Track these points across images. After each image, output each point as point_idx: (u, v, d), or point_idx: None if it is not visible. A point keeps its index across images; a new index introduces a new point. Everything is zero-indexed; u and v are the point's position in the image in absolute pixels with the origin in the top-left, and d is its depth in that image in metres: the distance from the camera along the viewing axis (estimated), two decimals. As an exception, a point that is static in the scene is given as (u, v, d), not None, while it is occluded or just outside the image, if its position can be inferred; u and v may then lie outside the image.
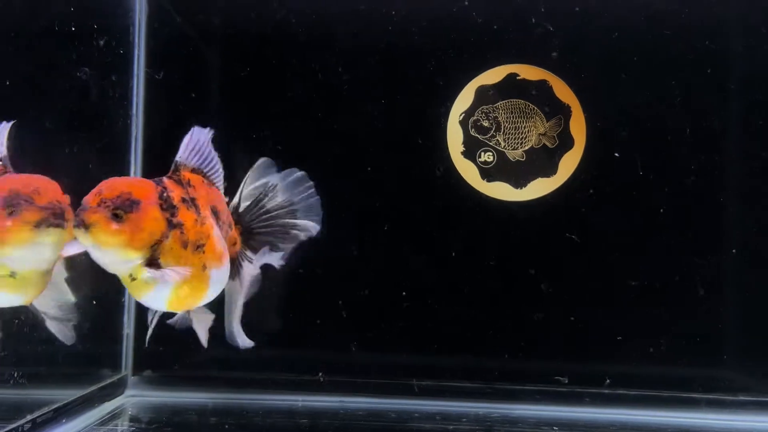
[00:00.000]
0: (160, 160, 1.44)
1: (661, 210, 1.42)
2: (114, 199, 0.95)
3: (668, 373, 1.42)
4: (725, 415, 1.39)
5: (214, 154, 1.10)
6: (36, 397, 1.12)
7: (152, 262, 0.97)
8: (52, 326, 1.09)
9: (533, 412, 1.39)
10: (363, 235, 1.45)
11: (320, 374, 1.44)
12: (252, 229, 1.18)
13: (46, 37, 1.12)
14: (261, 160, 1.20)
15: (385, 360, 1.44)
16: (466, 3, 1.43)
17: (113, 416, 1.30)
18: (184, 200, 1.03)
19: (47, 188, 0.97)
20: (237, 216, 1.17)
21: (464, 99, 1.45)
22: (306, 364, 1.43)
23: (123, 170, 1.43)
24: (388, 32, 1.44)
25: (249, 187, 1.19)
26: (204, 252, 1.03)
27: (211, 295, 1.08)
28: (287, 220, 1.20)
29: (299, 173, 1.21)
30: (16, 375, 1.02)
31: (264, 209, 1.18)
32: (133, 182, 1.01)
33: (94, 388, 1.29)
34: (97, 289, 1.31)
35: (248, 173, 1.18)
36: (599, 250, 1.43)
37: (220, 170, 1.12)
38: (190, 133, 1.08)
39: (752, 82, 1.40)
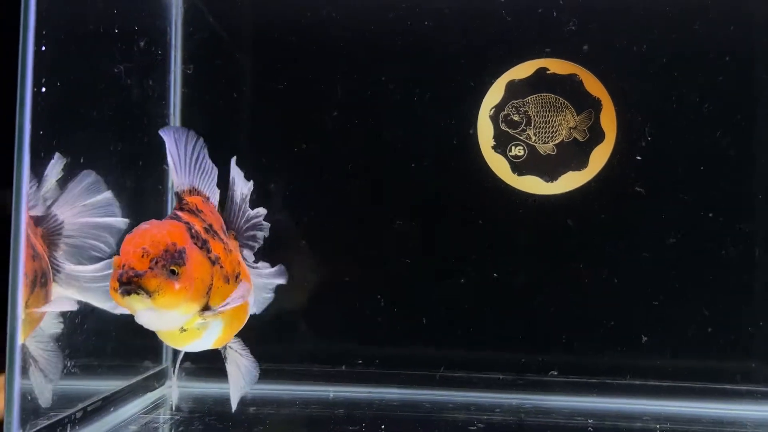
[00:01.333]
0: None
1: (692, 202, 1.42)
2: (163, 254, 0.86)
3: (701, 364, 1.42)
4: (760, 406, 1.39)
5: (201, 162, 1.01)
6: (86, 387, 1.17)
7: (206, 308, 0.90)
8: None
9: (566, 403, 1.41)
10: (394, 229, 1.47)
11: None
12: (241, 229, 1.10)
13: (91, 40, 1.16)
14: (233, 160, 1.09)
15: (419, 352, 1.47)
16: (476, 3, 1.45)
17: (157, 406, 1.34)
18: (206, 230, 0.96)
19: None
20: (229, 222, 1.09)
21: (495, 94, 1.46)
22: (341, 356, 1.46)
23: (162, 170, 1.46)
24: (418, 28, 1.46)
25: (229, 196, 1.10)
26: (241, 281, 0.97)
27: (248, 316, 1.03)
28: (249, 212, 1.12)
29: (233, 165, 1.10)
30: (69, 365, 1.06)
31: (237, 205, 1.10)
32: (168, 229, 0.90)
33: (137, 378, 1.33)
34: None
35: (231, 175, 1.09)
36: (631, 242, 1.43)
37: (215, 178, 1.04)
38: (168, 152, 0.98)
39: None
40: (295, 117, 1.49)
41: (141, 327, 1.39)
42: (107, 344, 1.25)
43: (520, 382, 1.44)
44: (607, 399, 1.42)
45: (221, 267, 0.93)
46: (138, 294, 0.84)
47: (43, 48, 0.97)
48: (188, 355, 1.46)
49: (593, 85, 1.44)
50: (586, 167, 1.45)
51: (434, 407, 1.39)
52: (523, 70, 1.46)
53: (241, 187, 1.09)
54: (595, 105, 1.44)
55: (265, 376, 1.44)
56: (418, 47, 1.46)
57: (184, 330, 0.91)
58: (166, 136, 0.99)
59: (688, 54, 1.42)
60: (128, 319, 1.31)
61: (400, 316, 1.47)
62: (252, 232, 1.11)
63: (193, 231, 0.93)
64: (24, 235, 0.92)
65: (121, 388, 1.25)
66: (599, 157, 1.45)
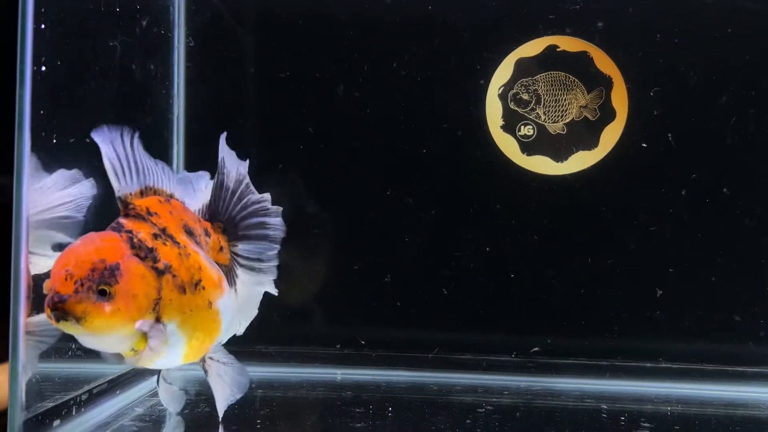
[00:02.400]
0: (199, 140, 1.47)
1: (704, 183, 1.40)
2: (90, 274, 0.80)
3: (713, 347, 1.40)
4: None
5: (148, 159, 0.93)
6: (91, 370, 1.16)
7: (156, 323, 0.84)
8: None
9: (575, 386, 1.39)
10: (403, 210, 1.45)
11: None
12: (233, 218, 1.03)
13: (92, 18, 1.14)
14: (222, 137, 1.02)
15: (427, 334, 1.46)
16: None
17: (163, 389, 1.33)
18: (156, 236, 0.88)
19: None
20: (211, 215, 1.02)
21: (503, 72, 1.43)
22: (348, 339, 1.45)
23: (166, 149, 1.45)
24: (426, 6, 1.43)
25: (215, 182, 1.03)
26: (204, 288, 0.89)
27: (225, 326, 0.96)
28: (252, 196, 1.05)
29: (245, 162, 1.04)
30: (73, 347, 1.06)
31: (229, 190, 1.02)
32: (99, 245, 0.83)
33: (144, 361, 1.33)
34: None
35: (220, 156, 1.02)
36: (641, 223, 1.41)
37: (162, 170, 0.95)
38: (103, 155, 0.89)
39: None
40: (300, 96, 1.47)
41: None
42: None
43: (529, 365, 1.43)
44: (617, 381, 1.41)
45: (173, 276, 0.86)
46: (66, 320, 0.80)
47: (43, 26, 0.95)
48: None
49: (604, 63, 1.41)
50: (596, 147, 1.42)
51: (442, 390, 1.38)
52: (533, 48, 1.43)
53: (234, 168, 1.01)
54: (606, 83, 1.41)
55: (272, 359, 1.45)
56: (425, 26, 1.44)
57: (136, 351, 0.86)
58: (99, 137, 0.90)
59: (702, 31, 1.38)
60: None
61: (407, 299, 1.45)
62: (253, 220, 1.03)
63: (134, 240, 0.86)
64: (26, 220, 0.90)
65: (127, 371, 1.25)
66: (610, 136, 1.42)
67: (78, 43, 1.09)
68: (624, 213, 1.42)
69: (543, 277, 1.44)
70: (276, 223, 1.06)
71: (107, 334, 0.83)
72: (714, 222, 1.40)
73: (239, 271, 1.04)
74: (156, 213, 0.91)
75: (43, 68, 0.96)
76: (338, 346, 1.45)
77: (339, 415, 1.22)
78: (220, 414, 1.03)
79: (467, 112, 1.43)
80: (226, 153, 1.01)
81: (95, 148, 1.09)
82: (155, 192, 0.93)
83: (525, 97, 1.43)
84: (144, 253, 0.86)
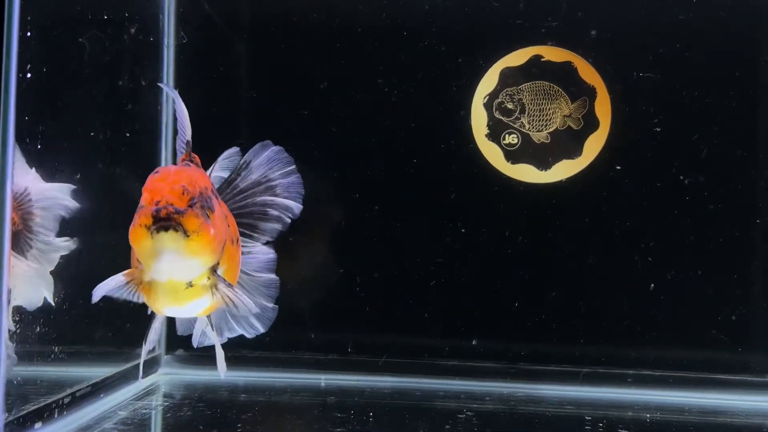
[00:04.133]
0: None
1: (687, 191, 1.41)
2: (200, 196, 0.78)
3: (693, 354, 1.42)
4: (750, 396, 1.39)
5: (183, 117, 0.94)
6: (75, 373, 1.17)
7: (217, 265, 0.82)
8: None
9: (557, 392, 1.40)
10: (388, 217, 1.47)
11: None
12: (240, 207, 1.02)
13: (79, 25, 1.15)
14: (229, 150, 1.05)
15: (411, 340, 1.47)
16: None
17: (148, 392, 1.35)
18: (212, 189, 0.87)
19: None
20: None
21: (488, 81, 1.45)
22: (333, 343, 1.46)
23: (154, 156, 1.46)
24: (412, 16, 1.45)
25: (217, 172, 1.03)
26: (239, 244, 0.91)
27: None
28: (265, 198, 1.02)
29: (274, 147, 1.05)
30: (57, 350, 1.07)
31: (237, 189, 1.01)
32: (199, 172, 0.83)
33: (128, 365, 1.34)
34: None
35: (217, 160, 1.04)
36: (624, 231, 1.43)
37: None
38: (177, 104, 0.93)
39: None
40: (289, 103, 1.49)
41: (132, 315, 1.40)
42: (97, 330, 1.25)
43: (511, 371, 1.44)
44: (598, 388, 1.42)
45: (228, 226, 0.86)
46: (176, 231, 0.75)
47: (29, 34, 0.96)
48: (180, 343, 1.47)
49: (588, 73, 1.43)
50: (580, 155, 1.44)
51: (424, 395, 1.39)
52: (518, 58, 1.44)
53: (221, 173, 1.03)
54: (590, 93, 1.43)
55: (256, 363, 1.46)
56: (411, 36, 1.45)
57: (191, 285, 0.81)
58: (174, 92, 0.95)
59: (685, 41, 1.40)
60: (118, 306, 1.31)
61: (391, 305, 1.46)
62: (248, 219, 1.02)
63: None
64: (9, 218, 0.92)
65: (111, 374, 1.26)
66: (594, 145, 1.44)
67: (64, 49, 1.10)
68: (607, 220, 1.44)
69: (526, 284, 1.45)
70: (267, 228, 1.05)
71: (196, 256, 0.78)
72: (696, 230, 1.41)
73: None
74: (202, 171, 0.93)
75: (29, 75, 0.97)
76: (323, 352, 1.46)
77: (321, 420, 1.23)
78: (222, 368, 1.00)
79: (453, 120, 1.45)
80: (263, 156, 1.03)
81: (79, 155, 1.11)
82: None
83: (510, 106, 1.45)
84: (215, 194, 0.85)
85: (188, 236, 0.76)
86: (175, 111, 0.94)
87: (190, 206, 0.77)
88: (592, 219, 1.44)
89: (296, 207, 1.05)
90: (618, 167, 1.42)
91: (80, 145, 1.14)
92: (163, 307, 0.87)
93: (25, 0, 0.94)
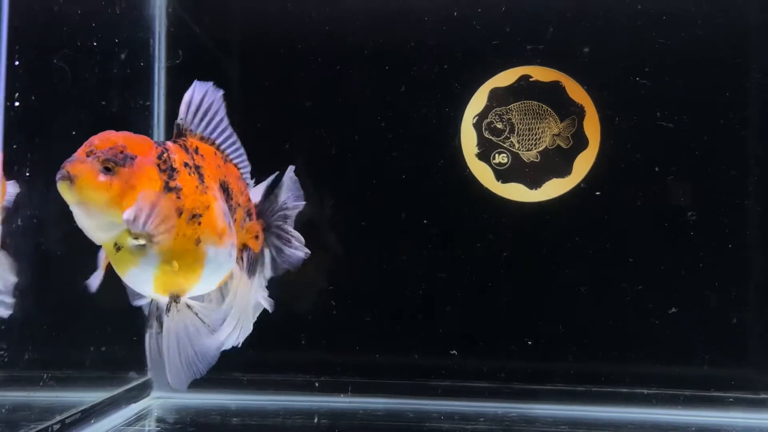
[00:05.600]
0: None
1: (678, 209, 1.42)
2: (106, 150, 0.85)
3: (688, 372, 1.41)
4: (746, 413, 1.38)
5: (226, 122, 0.99)
6: (65, 399, 1.17)
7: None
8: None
9: (551, 412, 1.40)
10: (379, 238, 1.47)
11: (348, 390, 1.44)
12: (270, 226, 1.07)
13: (68, 53, 1.17)
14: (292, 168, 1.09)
15: (403, 361, 1.46)
16: (472, 10, 1.45)
17: (139, 417, 1.34)
18: (186, 165, 0.92)
19: None
20: (258, 210, 1.07)
21: (477, 102, 1.46)
22: (325, 365, 1.45)
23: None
24: (401, 36, 1.46)
25: (267, 183, 1.08)
26: (200, 224, 0.90)
27: (206, 277, 0.93)
28: (284, 225, 1.08)
29: (293, 175, 1.09)
30: (45, 377, 1.06)
31: (275, 206, 1.07)
32: (131, 136, 0.89)
33: (120, 390, 1.33)
34: (122, 295, 1.35)
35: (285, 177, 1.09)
36: (616, 249, 1.43)
37: (237, 143, 1.01)
38: (191, 89, 0.97)
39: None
40: (280, 127, 1.49)
41: (124, 338, 1.39)
42: (87, 355, 1.25)
43: (505, 391, 1.44)
44: (593, 407, 1.41)
45: (178, 198, 0.89)
46: (64, 179, 0.84)
47: (17, 63, 0.97)
48: (172, 366, 1.46)
49: (576, 92, 1.44)
50: (570, 174, 1.44)
51: (418, 416, 1.38)
52: (506, 78, 1.46)
53: (287, 194, 1.07)
54: (579, 112, 1.44)
55: (248, 386, 1.45)
56: (400, 56, 1.47)
57: (118, 247, 0.87)
58: (199, 84, 0.98)
59: (673, 59, 1.42)
60: (109, 330, 1.31)
61: (384, 325, 1.46)
62: (276, 241, 1.07)
63: (164, 155, 0.90)
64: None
65: (102, 400, 1.26)
66: (583, 163, 1.44)
67: (53, 77, 1.11)
68: (598, 238, 1.44)
69: (519, 302, 1.45)
70: (290, 254, 1.09)
71: (93, 207, 0.84)
72: (688, 247, 1.41)
73: (258, 268, 1.06)
74: (202, 155, 0.95)
75: (17, 104, 0.98)
76: (315, 374, 1.46)
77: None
78: (171, 381, 0.95)
79: (443, 141, 1.46)
80: (290, 179, 1.08)
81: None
82: (217, 148, 0.98)
83: (499, 126, 1.46)
84: (165, 167, 0.89)
85: (72, 182, 0.83)
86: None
87: (86, 156, 0.85)
88: (583, 237, 1.44)
89: (304, 251, 1.10)
90: (597, 193, 1.43)
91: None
92: (122, 276, 0.91)
93: (14, 29, 0.95)
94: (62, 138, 1.15)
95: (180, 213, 0.89)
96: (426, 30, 1.46)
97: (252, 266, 1.04)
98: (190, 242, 0.90)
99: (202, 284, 0.94)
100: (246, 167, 1.04)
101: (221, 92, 0.99)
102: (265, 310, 1.08)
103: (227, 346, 1.02)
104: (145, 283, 0.91)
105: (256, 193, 1.08)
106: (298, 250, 1.09)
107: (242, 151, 1.02)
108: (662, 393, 1.41)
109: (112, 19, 1.31)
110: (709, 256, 1.41)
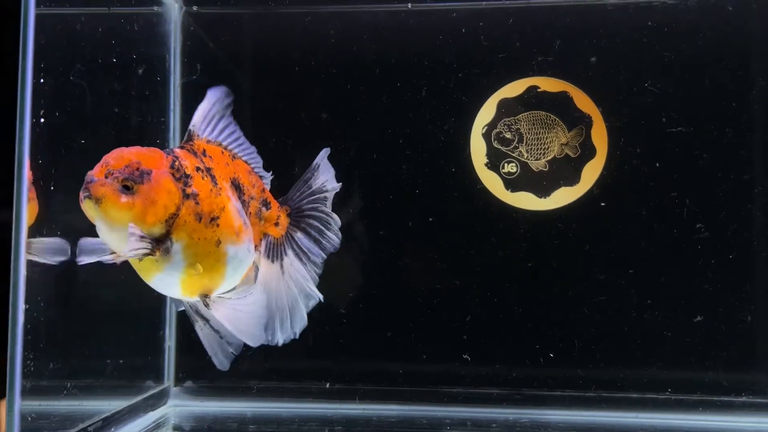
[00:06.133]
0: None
1: (685, 215, 1.43)
2: (123, 169, 0.89)
3: (700, 377, 1.42)
4: (758, 417, 1.39)
5: (232, 123, 1.04)
6: (86, 407, 1.19)
7: (160, 238, 0.90)
8: None
9: (563, 417, 1.41)
10: (390, 246, 1.49)
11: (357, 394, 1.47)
12: (301, 210, 1.11)
13: (90, 70, 1.20)
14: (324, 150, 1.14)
15: (416, 368, 1.48)
16: (481, 23, 1.47)
17: (158, 425, 1.36)
18: (198, 169, 0.95)
19: None
20: (286, 197, 1.11)
21: (487, 112, 1.49)
22: (339, 373, 1.48)
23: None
24: (411, 49, 1.49)
25: (302, 177, 1.13)
26: (218, 225, 0.94)
27: (230, 275, 0.98)
28: (323, 207, 1.13)
29: (327, 161, 1.14)
30: (69, 386, 1.09)
31: (310, 190, 1.12)
32: (142, 151, 0.93)
33: (139, 398, 1.36)
34: (140, 304, 1.38)
35: (316, 161, 1.14)
36: (624, 256, 1.45)
37: (243, 140, 1.06)
38: (207, 98, 1.03)
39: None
40: (293, 140, 1.52)
41: (142, 347, 1.42)
42: (108, 365, 1.27)
43: (516, 397, 1.45)
44: (604, 413, 1.42)
45: (196, 203, 0.93)
46: (89, 199, 0.89)
47: (42, 81, 1.00)
48: (189, 374, 1.49)
49: (583, 102, 1.46)
50: (578, 183, 1.46)
51: (431, 423, 1.40)
52: (514, 89, 1.48)
53: (323, 179, 1.11)
54: (586, 121, 1.46)
55: (264, 394, 1.48)
56: (410, 68, 1.49)
57: (142, 259, 0.92)
58: (214, 90, 1.04)
59: (679, 69, 1.44)
60: (128, 340, 1.34)
61: (396, 333, 1.48)
62: (314, 222, 1.11)
63: (176, 163, 0.94)
64: (23, 264, 0.95)
65: (121, 408, 1.28)
66: (591, 172, 1.46)
67: (76, 93, 1.15)
68: (607, 246, 1.46)
69: (529, 309, 1.47)
70: (331, 237, 1.13)
71: (117, 225, 0.89)
72: (696, 252, 1.43)
73: (289, 251, 1.10)
74: (210, 156, 1.00)
75: (42, 120, 1.01)
76: (329, 381, 1.48)
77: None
78: (247, 341, 1.01)
79: (453, 151, 1.48)
80: (323, 164, 1.12)
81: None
82: (219, 144, 1.03)
83: (508, 136, 1.48)
84: (179, 175, 0.93)
85: (97, 203, 0.88)
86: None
87: (106, 176, 0.89)
88: (593, 244, 1.46)
89: (339, 234, 1.14)
90: (602, 204, 1.45)
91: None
92: (149, 282, 0.96)
93: (39, 48, 0.99)
94: (84, 152, 1.18)
95: (200, 218, 0.93)
96: (435, 43, 1.49)
97: (274, 251, 1.08)
98: (211, 244, 0.94)
99: (227, 282, 0.99)
100: (257, 161, 1.08)
101: (227, 96, 1.04)
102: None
103: (276, 337, 1.08)
104: (172, 286, 0.95)
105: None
106: (336, 233, 1.13)
107: (250, 146, 1.07)
108: (673, 398, 1.42)
109: (131, 36, 1.34)
110: (717, 261, 1.42)
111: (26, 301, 0.96)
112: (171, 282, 0.94)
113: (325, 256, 1.14)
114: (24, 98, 0.96)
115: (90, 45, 1.19)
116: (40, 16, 0.97)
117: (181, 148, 0.99)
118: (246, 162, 1.06)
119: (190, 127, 1.01)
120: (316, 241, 1.12)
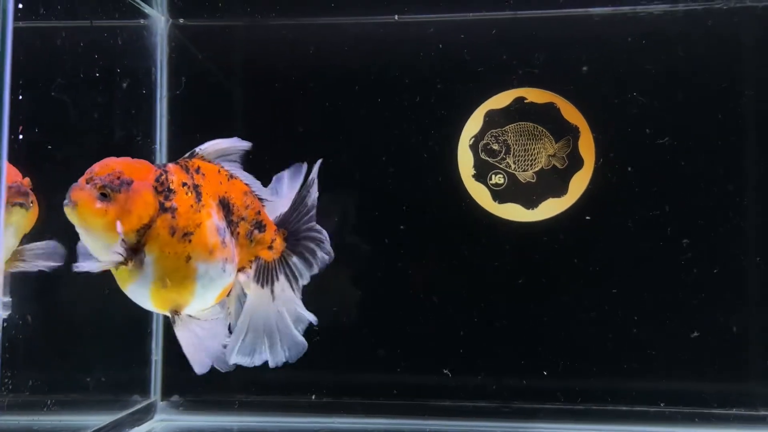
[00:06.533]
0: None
1: (673, 225, 1.43)
2: (104, 177, 0.91)
3: (688, 388, 1.42)
4: (751, 430, 1.38)
5: (238, 164, 1.03)
6: (69, 423, 1.18)
7: (136, 248, 0.91)
8: None
9: (553, 431, 1.40)
10: (377, 258, 1.49)
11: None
12: (298, 232, 1.07)
13: (72, 84, 1.20)
14: (294, 165, 1.11)
15: (404, 381, 1.47)
16: (461, 36, 1.47)
17: (143, 440, 1.36)
18: (184, 185, 0.96)
19: (8, 170, 0.95)
20: (281, 221, 1.07)
21: (473, 123, 1.48)
22: (326, 386, 1.47)
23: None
24: (398, 61, 1.49)
25: (287, 188, 1.09)
26: (190, 241, 0.94)
27: (200, 293, 0.96)
28: (317, 225, 1.08)
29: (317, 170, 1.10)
30: (49, 402, 1.08)
31: (306, 208, 1.08)
32: (129, 162, 0.94)
33: (124, 413, 1.35)
34: (125, 318, 1.38)
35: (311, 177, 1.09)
36: (613, 268, 1.44)
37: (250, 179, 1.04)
38: (226, 139, 1.02)
39: (765, 100, 1.41)
40: (279, 153, 1.51)
41: (127, 361, 1.41)
42: (91, 379, 1.27)
43: (505, 410, 1.44)
44: (593, 426, 1.41)
45: (173, 217, 0.93)
46: (67, 205, 0.91)
47: (20, 97, 1.00)
48: (175, 388, 1.48)
49: (571, 113, 1.46)
50: (566, 194, 1.46)
51: (418, 437, 1.39)
52: (501, 100, 1.48)
53: (315, 194, 1.08)
54: (573, 132, 1.46)
55: (249, 407, 1.47)
56: (397, 79, 1.49)
57: (118, 267, 0.93)
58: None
59: (667, 80, 1.44)
60: (112, 353, 1.33)
61: (382, 346, 1.48)
62: (310, 245, 1.08)
63: (161, 177, 0.94)
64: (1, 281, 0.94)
65: (106, 423, 1.27)
66: (579, 183, 1.46)
67: (56, 108, 1.14)
68: (595, 257, 1.45)
69: (518, 321, 1.46)
70: (322, 256, 1.09)
71: (92, 229, 0.91)
72: (687, 261, 1.42)
73: (281, 276, 1.07)
74: (203, 174, 0.99)
75: (21, 136, 1.01)
76: (315, 394, 1.47)
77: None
78: (192, 364, 1.00)
79: (440, 163, 1.48)
80: (316, 178, 1.09)
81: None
82: (221, 165, 1.02)
83: (495, 147, 1.48)
84: (162, 189, 0.94)
85: (73, 208, 0.90)
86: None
87: (85, 183, 0.91)
88: (581, 256, 1.45)
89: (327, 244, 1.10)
90: (587, 217, 1.44)
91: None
92: (125, 292, 0.96)
93: (18, 62, 0.98)
94: (66, 168, 1.18)
95: (173, 233, 0.93)
96: (422, 54, 1.48)
97: (264, 276, 1.05)
98: (180, 260, 0.94)
99: (197, 299, 0.97)
100: (255, 183, 1.06)
101: (245, 145, 1.04)
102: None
103: (256, 362, 1.06)
104: (144, 298, 0.95)
105: (286, 202, 1.09)
106: (328, 251, 1.09)
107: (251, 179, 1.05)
108: (663, 411, 1.41)
109: (115, 49, 1.34)
110: (710, 270, 1.42)
111: (3, 319, 0.95)
112: (142, 293, 0.94)
113: (313, 274, 1.10)
114: (1, 115, 0.96)
115: (72, 59, 1.19)
116: (18, 30, 0.97)
117: (176, 163, 0.99)
118: (241, 180, 1.04)
119: (197, 149, 1.01)
120: (309, 265, 1.08)
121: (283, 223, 1.08)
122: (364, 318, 1.48)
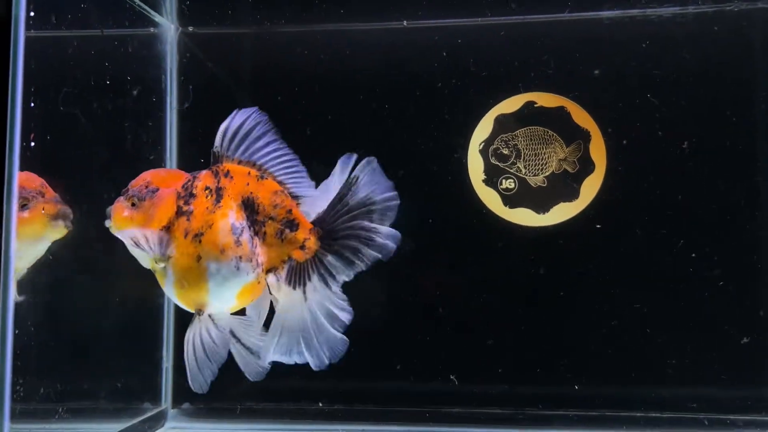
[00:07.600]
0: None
1: (685, 230, 1.41)
2: (135, 188, 1.02)
3: (703, 394, 1.40)
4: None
5: (268, 141, 1.05)
6: (80, 430, 1.18)
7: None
8: None
9: (566, 438, 1.39)
10: (387, 265, 1.48)
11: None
12: (335, 232, 1.04)
13: (82, 92, 1.20)
14: (343, 157, 1.09)
15: (415, 388, 1.46)
16: (477, 39, 1.47)
17: (154, 448, 1.35)
18: (206, 189, 1.01)
19: (40, 182, 1.05)
20: (319, 218, 1.05)
21: (483, 128, 1.48)
22: (336, 394, 1.46)
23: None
24: (407, 66, 1.49)
25: (335, 184, 1.06)
26: (200, 242, 0.98)
27: (215, 291, 0.99)
28: (365, 222, 1.04)
29: (376, 165, 1.08)
30: (61, 410, 1.08)
31: (347, 207, 1.04)
32: (160, 172, 1.05)
33: (135, 421, 1.35)
34: (137, 326, 1.38)
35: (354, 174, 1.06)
36: (625, 272, 1.43)
37: (289, 159, 1.06)
38: (228, 118, 1.05)
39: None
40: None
41: (139, 369, 1.41)
42: (103, 387, 1.26)
43: (519, 417, 1.43)
44: (607, 432, 1.40)
45: (187, 220, 1.00)
46: (108, 217, 1.02)
47: (32, 105, 1.01)
48: (186, 396, 1.48)
49: (581, 117, 1.45)
50: (577, 198, 1.45)
51: (431, 444, 1.38)
52: (511, 104, 1.47)
53: (366, 191, 1.05)
54: (584, 136, 1.45)
55: (261, 415, 1.46)
56: (406, 84, 1.49)
57: (155, 270, 1.01)
58: (241, 112, 1.06)
59: (677, 83, 1.43)
60: (124, 362, 1.33)
61: (393, 352, 1.47)
62: (352, 242, 1.05)
63: (188, 183, 1.02)
64: (12, 279, 0.95)
65: (117, 431, 1.27)
66: (590, 187, 1.45)
67: (67, 115, 1.15)
68: (607, 261, 1.44)
69: (530, 326, 1.45)
70: (370, 253, 1.07)
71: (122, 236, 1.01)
72: (698, 267, 1.41)
73: (314, 276, 1.05)
74: (231, 177, 1.03)
75: (32, 144, 1.01)
76: (327, 402, 1.46)
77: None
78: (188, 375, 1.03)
79: (450, 168, 1.47)
80: (364, 175, 1.06)
81: (84, 217, 1.14)
82: (253, 165, 1.04)
83: (505, 152, 1.47)
84: (184, 194, 1.01)
85: (109, 217, 1.02)
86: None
87: (122, 195, 1.02)
88: (593, 260, 1.44)
89: (395, 237, 1.06)
90: (598, 226, 1.43)
91: (86, 209, 1.17)
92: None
93: (29, 72, 0.99)
94: (76, 175, 1.18)
95: (186, 234, 0.99)
96: (431, 60, 1.48)
97: (297, 276, 1.04)
98: (191, 259, 0.99)
99: (214, 298, 1.01)
100: (296, 182, 1.06)
101: (261, 116, 1.06)
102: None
103: (295, 360, 1.07)
104: (174, 296, 1.02)
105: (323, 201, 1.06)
106: (387, 240, 1.06)
107: (297, 165, 1.06)
108: (676, 417, 1.40)
109: (124, 57, 1.35)
110: (721, 276, 1.40)
111: (16, 327, 0.95)
112: (171, 292, 1.02)
113: (358, 272, 1.07)
114: (14, 122, 0.96)
115: (82, 67, 1.19)
116: (30, 39, 0.98)
117: (209, 169, 1.04)
118: (282, 182, 1.04)
119: (213, 149, 1.05)
120: (349, 263, 1.06)
121: (319, 221, 1.05)
122: (375, 324, 1.47)
